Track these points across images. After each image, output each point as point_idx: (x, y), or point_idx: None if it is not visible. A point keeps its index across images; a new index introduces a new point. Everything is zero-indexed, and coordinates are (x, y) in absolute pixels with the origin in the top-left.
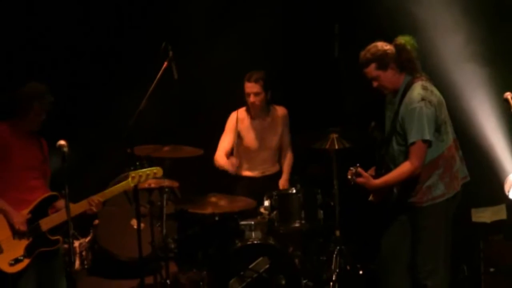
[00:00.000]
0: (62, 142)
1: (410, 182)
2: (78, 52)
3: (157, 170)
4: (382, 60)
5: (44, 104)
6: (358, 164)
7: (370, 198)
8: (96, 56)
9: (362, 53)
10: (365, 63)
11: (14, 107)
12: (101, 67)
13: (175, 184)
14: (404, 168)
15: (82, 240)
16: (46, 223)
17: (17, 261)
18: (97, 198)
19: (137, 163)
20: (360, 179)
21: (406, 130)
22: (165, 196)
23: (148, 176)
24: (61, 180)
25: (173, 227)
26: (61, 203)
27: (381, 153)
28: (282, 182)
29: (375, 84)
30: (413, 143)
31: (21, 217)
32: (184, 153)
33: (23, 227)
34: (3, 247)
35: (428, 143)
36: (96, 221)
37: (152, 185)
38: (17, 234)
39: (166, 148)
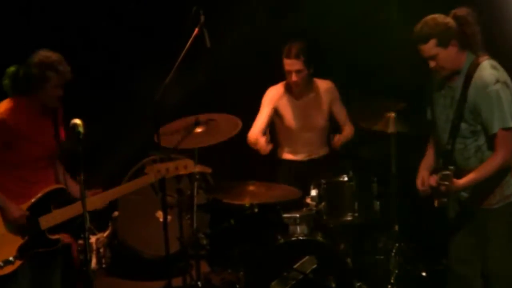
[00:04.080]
0: (76, 120)
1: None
2: (97, 24)
3: (187, 163)
4: (443, 36)
5: (61, 74)
6: (452, 167)
7: (436, 203)
8: (117, 28)
9: (418, 27)
10: (422, 38)
11: (27, 80)
12: (123, 39)
13: (208, 170)
14: (493, 161)
15: (99, 235)
16: (46, 221)
17: (6, 262)
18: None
19: (161, 154)
20: (444, 183)
21: (485, 119)
22: (195, 184)
23: (177, 170)
24: (76, 164)
25: (204, 220)
26: (74, 188)
27: (448, 148)
28: (337, 137)
29: (432, 64)
30: (496, 133)
31: (19, 210)
32: (220, 132)
33: (21, 221)
34: None
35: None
36: (116, 213)
37: (181, 172)
38: (12, 230)
39: (198, 129)
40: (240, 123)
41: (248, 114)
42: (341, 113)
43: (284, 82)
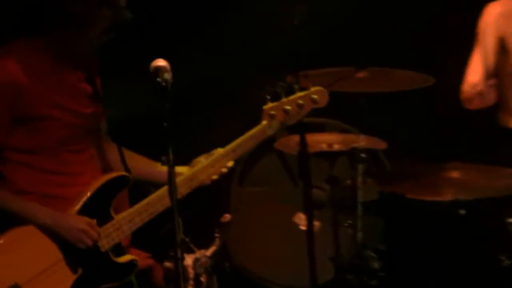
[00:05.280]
0: (160, 62)
1: None
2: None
3: (318, 92)
4: None
5: (117, 9)
6: None
7: None
8: None
9: None
10: None
11: (64, 12)
12: None
13: (381, 144)
14: None
15: (199, 253)
16: (108, 236)
17: None
18: (221, 154)
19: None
20: None
21: None
22: (360, 167)
23: (301, 108)
24: (160, 136)
25: (376, 227)
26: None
27: None
28: None
29: None
30: None
31: (78, 220)
32: (400, 82)
33: (80, 235)
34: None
35: None
36: (227, 217)
37: (336, 146)
38: (55, 258)
39: (361, 74)
40: (432, 80)
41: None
42: None
43: None
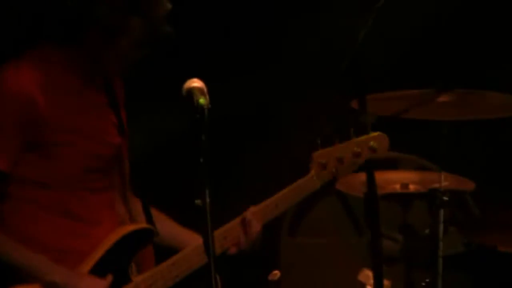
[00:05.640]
0: (195, 83)
1: None
2: None
3: (377, 138)
4: None
5: (152, 20)
6: None
7: None
8: None
9: None
10: None
11: (89, 19)
12: None
13: (468, 185)
14: None
15: None
16: None
17: None
18: (252, 213)
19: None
20: None
21: None
22: (441, 213)
23: (358, 156)
24: (194, 175)
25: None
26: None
27: None
28: None
29: None
30: None
31: (93, 284)
32: (492, 107)
33: None
34: None
35: None
36: (276, 273)
37: (411, 187)
38: None
39: (444, 97)
40: None
41: None
42: None
43: None
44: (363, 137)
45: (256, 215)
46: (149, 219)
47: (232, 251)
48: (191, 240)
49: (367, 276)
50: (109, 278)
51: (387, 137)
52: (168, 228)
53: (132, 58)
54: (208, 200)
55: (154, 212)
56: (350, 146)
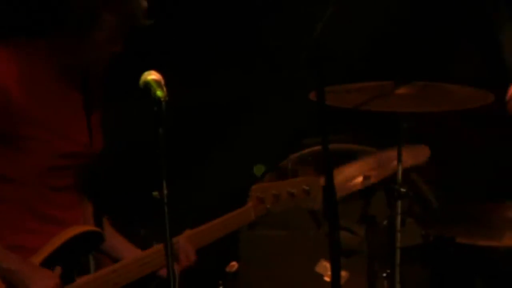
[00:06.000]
0: (152, 75)
1: None
2: None
3: (309, 181)
4: None
5: (127, 14)
6: None
7: None
8: None
9: None
10: None
11: (66, 11)
12: None
13: (425, 152)
14: None
15: None
16: None
17: None
18: (189, 246)
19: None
20: None
21: None
22: (399, 205)
23: (293, 197)
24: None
25: (419, 279)
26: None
27: None
28: None
29: None
30: None
31: (49, 276)
32: (453, 100)
33: None
34: None
35: None
36: (234, 265)
37: (372, 179)
38: None
39: (403, 89)
40: (492, 97)
41: None
42: None
43: None
44: (298, 179)
45: (191, 240)
46: (99, 224)
47: (162, 273)
48: (132, 253)
49: (324, 267)
50: (58, 270)
51: (319, 181)
52: (111, 237)
53: (108, 53)
54: (165, 191)
55: (104, 220)
56: (286, 185)
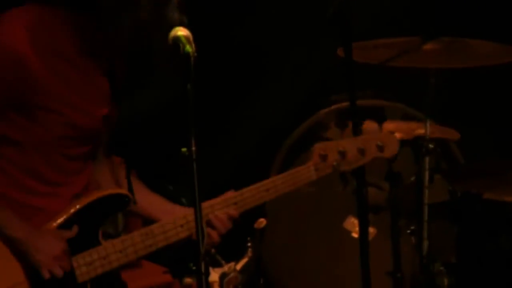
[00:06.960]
0: (182, 31)
1: None
2: None
3: (387, 138)
4: None
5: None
6: None
7: None
8: None
9: None
10: None
11: None
12: None
13: (453, 134)
14: None
15: (227, 267)
16: (87, 265)
17: None
18: (229, 208)
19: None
20: None
21: None
22: (427, 161)
23: (363, 154)
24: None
25: (446, 235)
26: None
27: None
28: None
29: None
30: None
31: (54, 243)
32: (479, 56)
33: (58, 268)
34: None
35: None
36: (262, 221)
37: (397, 136)
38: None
39: (430, 45)
40: None
41: None
42: None
43: None
44: (372, 135)
45: (236, 201)
46: (130, 187)
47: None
48: (172, 212)
49: (352, 224)
50: (75, 229)
51: (397, 140)
52: (147, 198)
53: (135, 39)
54: (194, 148)
55: (136, 182)
56: (356, 141)
